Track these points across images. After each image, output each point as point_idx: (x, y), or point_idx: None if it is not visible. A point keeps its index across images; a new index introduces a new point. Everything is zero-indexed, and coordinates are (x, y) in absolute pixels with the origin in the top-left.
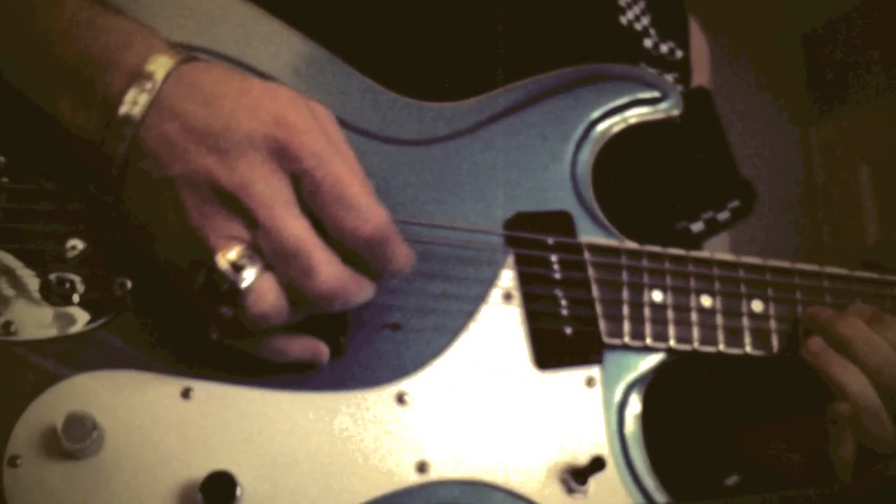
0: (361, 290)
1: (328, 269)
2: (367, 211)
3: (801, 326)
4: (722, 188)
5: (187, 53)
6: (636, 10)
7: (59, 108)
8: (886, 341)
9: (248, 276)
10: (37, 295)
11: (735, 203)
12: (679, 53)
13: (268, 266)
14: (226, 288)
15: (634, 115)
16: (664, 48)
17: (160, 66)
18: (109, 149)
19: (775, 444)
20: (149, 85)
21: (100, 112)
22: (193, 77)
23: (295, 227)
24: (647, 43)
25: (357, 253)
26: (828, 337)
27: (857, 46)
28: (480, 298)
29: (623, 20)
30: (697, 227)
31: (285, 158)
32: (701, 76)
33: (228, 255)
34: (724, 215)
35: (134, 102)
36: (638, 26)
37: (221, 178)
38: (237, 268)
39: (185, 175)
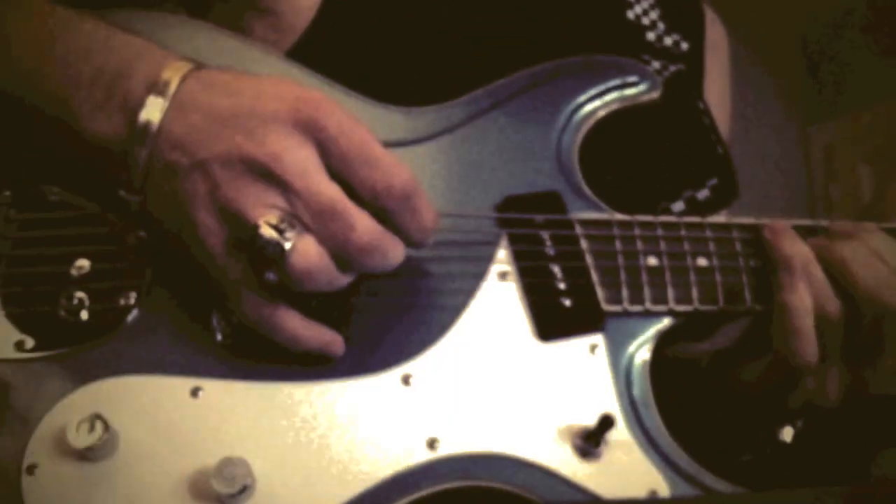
0: (396, 247)
1: (366, 224)
2: (395, 168)
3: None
4: (698, 166)
5: (200, 63)
6: (645, 3)
7: (79, 118)
8: (875, 255)
9: (291, 236)
10: (48, 314)
11: (713, 181)
12: (685, 45)
13: (306, 229)
14: (271, 251)
15: (614, 99)
16: (668, 41)
17: (176, 71)
18: (132, 152)
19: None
20: (167, 90)
21: (120, 118)
22: (210, 78)
23: (329, 189)
24: (651, 36)
25: (388, 210)
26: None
27: (857, 47)
28: (477, 279)
29: (630, 14)
30: (678, 206)
31: (310, 129)
32: (718, 66)
33: (270, 220)
34: (703, 193)
35: (154, 106)
36: (645, 20)
37: (253, 153)
38: (280, 231)
39: (215, 156)
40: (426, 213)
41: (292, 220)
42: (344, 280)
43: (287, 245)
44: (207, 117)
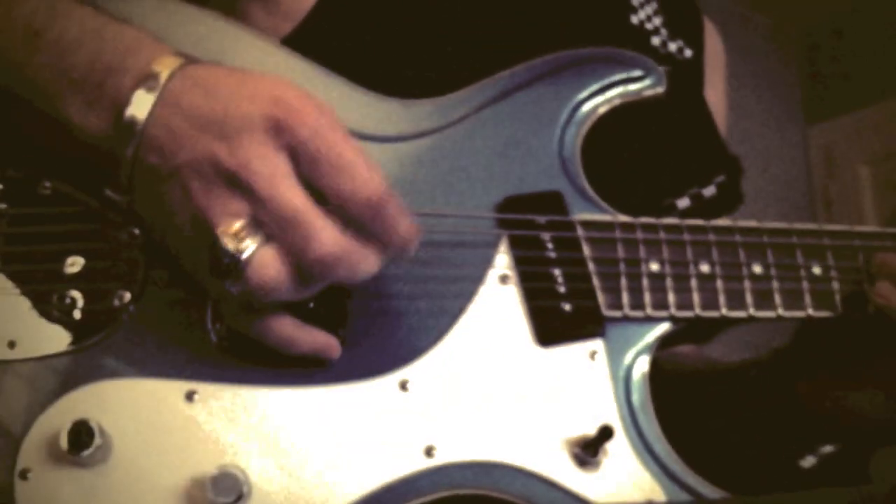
0: (365, 258)
1: (326, 234)
2: (365, 175)
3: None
4: (706, 163)
5: (192, 57)
6: (648, 9)
7: (69, 112)
8: None
9: (249, 247)
10: (39, 313)
11: (720, 178)
12: (688, 52)
13: (269, 239)
14: (227, 261)
15: (618, 94)
16: (673, 46)
17: (165, 66)
18: (119, 149)
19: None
20: (155, 85)
21: (109, 114)
22: (196, 74)
23: (293, 197)
24: (655, 41)
25: (359, 218)
26: None
27: (856, 47)
28: (476, 282)
29: (634, 19)
30: (683, 203)
31: (282, 133)
32: (716, 76)
33: (229, 230)
34: (709, 190)
35: (140, 103)
36: (649, 25)
37: (223, 159)
38: (238, 241)
39: (189, 162)
40: (399, 223)
41: (255, 229)
42: (309, 292)
43: (243, 256)
44: (186, 120)
